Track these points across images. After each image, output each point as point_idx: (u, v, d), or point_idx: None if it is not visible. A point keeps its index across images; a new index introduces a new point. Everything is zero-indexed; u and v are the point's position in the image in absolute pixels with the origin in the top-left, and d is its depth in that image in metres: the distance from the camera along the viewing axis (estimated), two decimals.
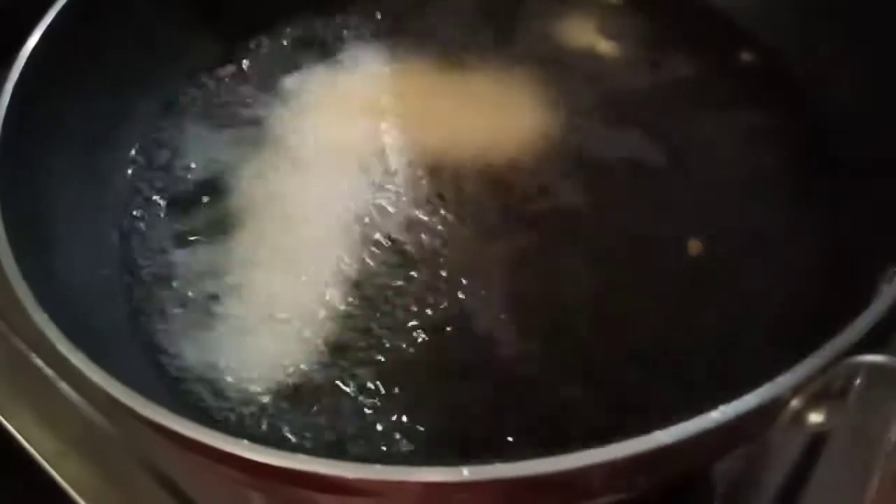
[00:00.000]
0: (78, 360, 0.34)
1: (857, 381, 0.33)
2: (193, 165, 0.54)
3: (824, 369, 0.32)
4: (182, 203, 0.52)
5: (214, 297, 0.47)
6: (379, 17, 0.62)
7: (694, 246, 0.46)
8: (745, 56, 0.57)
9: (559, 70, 0.57)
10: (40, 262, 0.40)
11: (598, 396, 0.42)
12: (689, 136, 0.53)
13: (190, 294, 0.48)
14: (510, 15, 0.61)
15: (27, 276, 0.37)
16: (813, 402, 0.32)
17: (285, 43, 0.61)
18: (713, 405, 0.30)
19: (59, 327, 0.35)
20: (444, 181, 0.52)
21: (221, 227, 0.51)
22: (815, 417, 0.32)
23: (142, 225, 0.52)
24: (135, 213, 0.52)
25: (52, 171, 0.47)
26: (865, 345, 0.33)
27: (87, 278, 0.47)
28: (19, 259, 0.38)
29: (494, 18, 0.61)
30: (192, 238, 0.50)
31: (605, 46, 0.59)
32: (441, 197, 0.51)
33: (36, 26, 0.48)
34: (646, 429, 0.30)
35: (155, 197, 0.53)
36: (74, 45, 0.50)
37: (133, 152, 0.55)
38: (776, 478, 0.42)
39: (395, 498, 0.33)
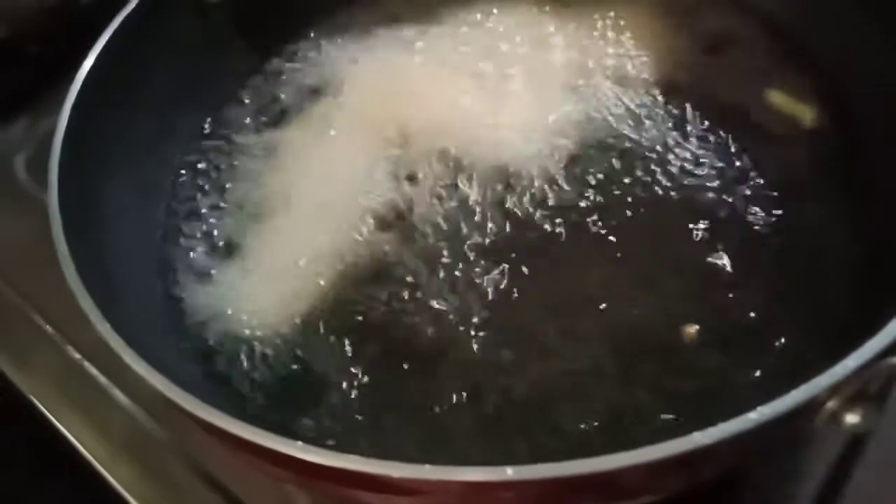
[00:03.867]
0: (141, 368, 0.35)
1: None
2: (233, 176, 0.56)
3: (860, 370, 0.32)
4: (227, 206, 0.54)
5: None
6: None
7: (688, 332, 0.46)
8: (783, 54, 0.57)
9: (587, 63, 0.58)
10: (97, 274, 0.42)
11: (636, 398, 0.43)
12: (727, 135, 0.53)
13: (226, 298, 0.50)
14: None
15: (90, 288, 0.39)
16: (849, 403, 0.32)
17: (321, 39, 0.63)
18: (750, 406, 0.31)
19: (121, 337, 0.36)
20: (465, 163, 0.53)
21: (264, 229, 0.53)
22: (852, 418, 0.32)
23: (185, 234, 0.53)
24: (181, 221, 0.54)
25: (106, 187, 0.49)
26: None
27: (136, 287, 0.48)
28: (81, 273, 0.39)
29: None
30: (235, 244, 0.52)
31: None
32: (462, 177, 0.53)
33: (90, 50, 0.50)
34: (684, 430, 0.30)
35: (199, 204, 0.55)
36: (125, 66, 0.52)
37: (179, 163, 0.57)
38: (815, 479, 0.42)
39: (439, 496, 0.34)
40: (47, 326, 0.58)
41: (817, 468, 0.43)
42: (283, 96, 0.60)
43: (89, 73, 0.48)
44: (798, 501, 0.43)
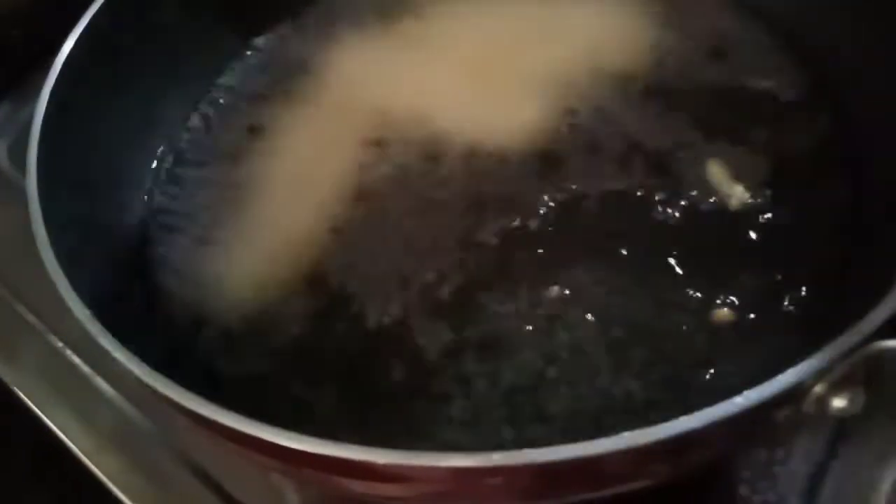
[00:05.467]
0: (120, 354, 0.35)
1: (884, 367, 0.33)
2: (216, 161, 0.56)
3: (847, 354, 0.32)
4: (208, 192, 0.54)
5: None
6: None
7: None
8: (770, 42, 0.57)
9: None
10: (78, 261, 0.41)
11: (624, 385, 0.43)
12: (714, 120, 0.53)
13: (208, 284, 0.49)
14: None
15: (69, 275, 0.38)
16: (836, 388, 0.32)
17: (304, 24, 0.62)
18: (736, 391, 0.31)
19: (101, 323, 0.36)
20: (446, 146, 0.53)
21: (246, 214, 0.52)
22: (839, 403, 0.32)
23: (166, 221, 0.53)
24: (162, 207, 0.54)
25: (87, 173, 0.49)
26: (890, 330, 0.33)
27: (117, 274, 0.48)
28: (61, 260, 0.39)
29: None
30: (216, 230, 0.52)
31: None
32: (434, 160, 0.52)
33: (69, 34, 0.49)
34: (671, 417, 0.30)
35: (181, 190, 0.54)
36: (105, 50, 0.51)
37: (161, 150, 0.56)
38: (802, 464, 0.42)
39: (426, 483, 0.34)
40: (30, 316, 0.58)
41: (805, 452, 0.43)
42: (265, 81, 0.60)
43: (69, 56, 0.48)
44: (787, 486, 0.43)
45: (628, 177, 0.50)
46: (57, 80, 0.47)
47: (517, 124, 0.54)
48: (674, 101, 0.54)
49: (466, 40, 0.59)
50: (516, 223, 0.49)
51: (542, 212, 0.49)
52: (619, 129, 0.53)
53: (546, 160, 0.52)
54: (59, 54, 0.48)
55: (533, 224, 0.49)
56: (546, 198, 0.50)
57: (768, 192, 0.49)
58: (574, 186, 0.50)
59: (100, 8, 0.50)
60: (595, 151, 0.52)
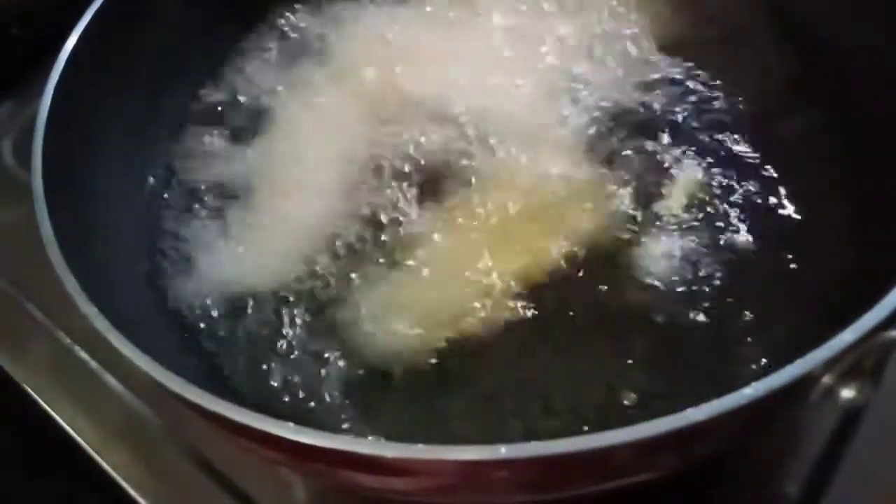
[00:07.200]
0: (127, 349, 0.35)
1: (893, 357, 0.33)
2: (222, 153, 0.56)
3: (855, 345, 0.32)
4: (214, 185, 0.54)
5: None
6: None
7: None
8: (778, 28, 0.56)
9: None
10: (84, 257, 0.41)
11: (630, 377, 0.43)
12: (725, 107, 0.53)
13: (214, 277, 0.49)
14: None
15: (75, 271, 0.38)
16: (844, 378, 0.32)
17: (310, 6, 0.62)
18: (744, 382, 0.31)
19: (108, 319, 0.36)
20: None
21: (252, 207, 0.52)
22: (847, 393, 0.32)
23: (172, 214, 0.53)
24: (167, 201, 0.53)
25: (92, 168, 0.49)
26: None
27: (124, 268, 0.48)
28: (66, 256, 0.39)
29: None
30: (222, 223, 0.52)
31: None
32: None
33: (69, 30, 0.49)
34: (679, 408, 0.30)
35: (187, 183, 0.54)
36: (110, 44, 0.51)
37: (166, 140, 0.56)
38: (811, 454, 0.42)
39: (434, 476, 0.34)
40: (38, 313, 0.58)
41: (812, 444, 0.43)
42: (271, 67, 0.59)
43: (72, 52, 0.48)
44: (793, 477, 0.43)
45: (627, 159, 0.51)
46: (61, 75, 0.47)
47: (539, 100, 0.53)
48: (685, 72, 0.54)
49: (480, 17, 0.59)
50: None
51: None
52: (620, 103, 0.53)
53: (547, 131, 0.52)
54: (63, 51, 0.48)
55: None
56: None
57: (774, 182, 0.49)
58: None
59: (103, 3, 0.50)
60: (610, 124, 0.52)
